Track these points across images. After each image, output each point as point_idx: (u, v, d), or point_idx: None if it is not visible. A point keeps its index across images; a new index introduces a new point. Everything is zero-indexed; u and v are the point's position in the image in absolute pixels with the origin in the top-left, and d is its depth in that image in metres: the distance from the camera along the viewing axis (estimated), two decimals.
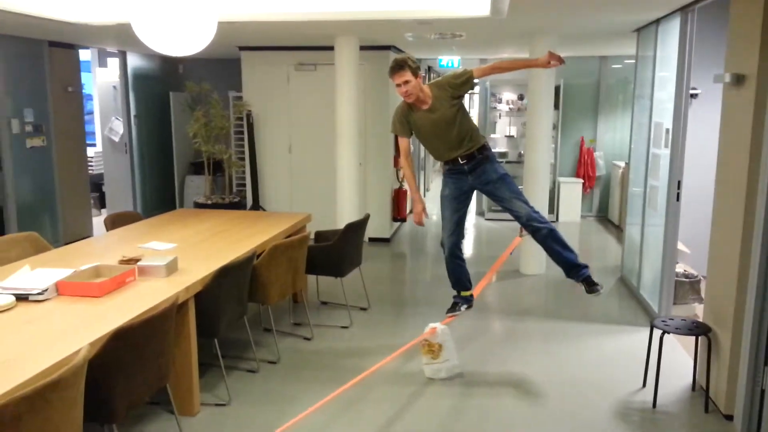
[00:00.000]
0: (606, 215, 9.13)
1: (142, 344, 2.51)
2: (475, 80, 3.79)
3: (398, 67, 3.60)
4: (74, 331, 2.48)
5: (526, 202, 3.80)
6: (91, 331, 2.46)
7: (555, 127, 8.81)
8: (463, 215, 3.92)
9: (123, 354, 2.41)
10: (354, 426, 3.25)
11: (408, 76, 3.59)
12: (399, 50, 7.68)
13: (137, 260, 3.36)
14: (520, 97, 9.29)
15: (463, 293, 4.09)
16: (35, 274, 3.06)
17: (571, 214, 8.90)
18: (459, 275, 4.03)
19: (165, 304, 2.70)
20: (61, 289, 2.90)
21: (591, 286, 3.84)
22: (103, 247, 4.00)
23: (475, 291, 4.13)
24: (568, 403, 3.51)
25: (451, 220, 3.90)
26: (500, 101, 9.38)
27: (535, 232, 3.78)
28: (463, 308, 4.06)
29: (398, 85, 3.63)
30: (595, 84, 9.03)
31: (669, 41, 4.64)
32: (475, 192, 3.98)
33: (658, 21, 4.90)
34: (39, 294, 2.82)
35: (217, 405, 3.42)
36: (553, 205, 8.80)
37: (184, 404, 3.23)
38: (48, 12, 4.97)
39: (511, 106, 9.34)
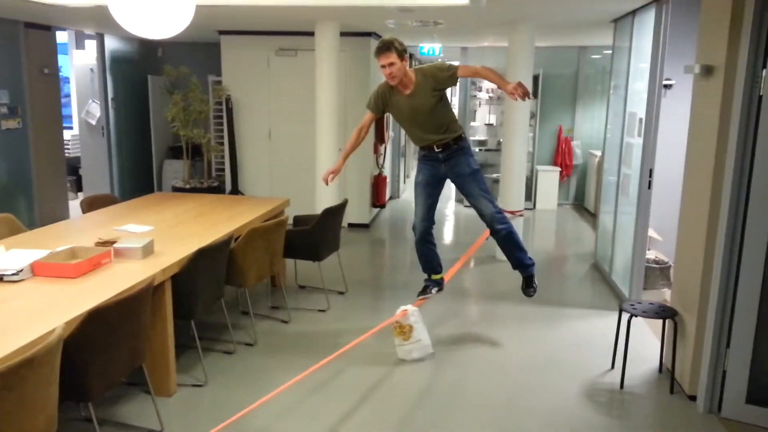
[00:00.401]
0: (582, 203, 9.27)
1: (118, 324, 2.53)
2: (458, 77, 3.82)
3: (385, 47, 3.59)
4: (49, 311, 2.49)
5: (492, 202, 3.89)
6: (66, 311, 2.47)
7: (533, 116, 8.90)
8: (435, 201, 3.99)
9: (98, 334, 2.44)
10: (326, 404, 3.31)
11: (393, 58, 3.59)
12: (379, 37, 7.68)
13: (113, 242, 3.37)
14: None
15: (434, 276, 4.18)
16: (10, 254, 3.05)
17: (548, 202, 9.02)
18: (430, 259, 4.12)
19: (141, 285, 2.72)
20: (36, 269, 2.90)
21: (527, 287, 4.09)
22: (79, 229, 3.99)
23: (447, 275, 4.22)
24: (537, 383, 3.61)
25: (423, 205, 3.96)
26: (480, 89, 9.43)
27: (495, 232, 3.93)
28: (433, 291, 4.16)
29: (383, 66, 3.63)
30: (574, 74, 9.12)
31: (644, 32, 4.72)
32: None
33: (634, 12, 4.97)
34: (14, 274, 2.82)
35: (193, 386, 3.46)
36: (530, 192, 8.91)
37: (160, 385, 3.26)
38: None
39: (491, 94, 9.40)
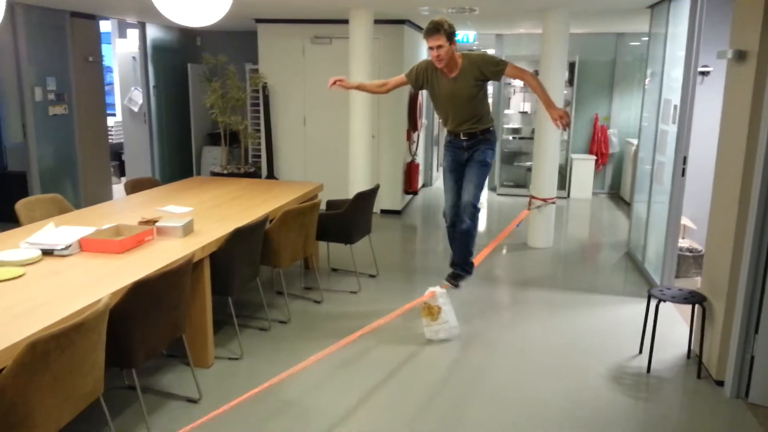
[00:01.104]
0: (618, 192, 9.17)
1: (160, 296, 2.68)
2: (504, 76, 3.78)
3: (434, 29, 3.55)
4: (96, 283, 2.65)
5: (476, 196, 3.88)
6: (111, 284, 2.63)
7: (569, 103, 8.83)
8: (462, 185, 3.98)
9: (141, 304, 2.59)
10: (355, 379, 3.42)
11: (442, 40, 3.55)
12: (413, 24, 7.73)
13: (155, 221, 3.53)
14: (536, 74, 9.29)
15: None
16: (59, 231, 3.24)
17: (582, 191, 8.95)
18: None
19: (181, 261, 2.86)
20: (83, 245, 3.08)
21: (450, 278, 4.08)
22: (123, 209, 4.18)
23: (476, 260, 4.26)
24: (564, 365, 3.66)
25: (452, 190, 3.99)
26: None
27: (459, 222, 3.92)
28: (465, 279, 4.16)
29: (431, 48, 3.60)
30: (612, 61, 9.00)
31: (680, 18, 4.67)
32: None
33: None
34: (63, 249, 3.00)
35: (230, 359, 3.62)
36: (564, 181, 8.86)
37: (199, 357, 3.42)
38: None
39: None
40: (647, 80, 5.78)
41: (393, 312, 3.75)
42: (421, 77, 3.86)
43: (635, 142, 8.37)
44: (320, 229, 4.63)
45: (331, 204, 5.16)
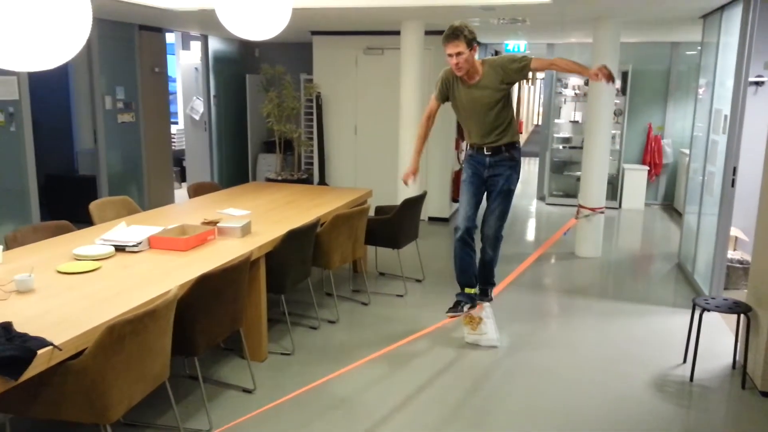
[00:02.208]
0: (672, 203, 9.02)
1: (221, 290, 2.91)
2: (531, 71, 3.61)
3: (453, 35, 3.36)
4: (164, 276, 2.89)
5: (500, 228, 3.79)
6: (178, 277, 2.87)
7: (621, 113, 8.77)
8: (479, 200, 3.81)
9: (205, 296, 2.81)
10: (400, 379, 3.56)
11: (462, 47, 3.36)
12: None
13: (216, 222, 3.78)
14: (587, 83, 9.26)
15: (468, 290, 3.91)
16: (130, 230, 3.51)
17: (634, 202, 8.84)
18: (466, 266, 3.85)
19: (240, 258, 3.08)
20: (152, 243, 3.34)
21: (483, 296, 3.97)
22: (186, 210, 4.47)
23: (523, 265, 4.26)
24: (609, 372, 3.70)
25: (468, 204, 3.76)
26: (566, 86, 9.38)
27: (484, 252, 3.89)
28: (465, 308, 3.89)
29: (450, 56, 3.39)
30: (666, 70, 8.89)
31: (733, 28, 4.65)
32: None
33: (722, 8, 4.89)
34: (134, 246, 3.27)
35: (282, 354, 3.83)
36: (616, 191, 8.79)
37: (254, 350, 3.64)
38: None
39: (577, 91, 9.33)
40: (700, 90, 5.74)
41: (440, 318, 3.88)
42: (445, 89, 3.65)
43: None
44: (369, 233, 4.80)
45: (379, 210, 5.33)
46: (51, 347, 2.10)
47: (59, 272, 2.90)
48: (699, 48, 8.36)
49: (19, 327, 2.23)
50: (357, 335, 4.19)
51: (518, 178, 3.77)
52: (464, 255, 3.82)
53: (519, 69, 3.53)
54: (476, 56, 3.50)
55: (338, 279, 5.23)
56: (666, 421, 3.17)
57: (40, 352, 2.06)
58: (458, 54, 3.39)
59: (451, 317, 3.89)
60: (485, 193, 3.83)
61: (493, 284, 4.10)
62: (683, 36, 7.85)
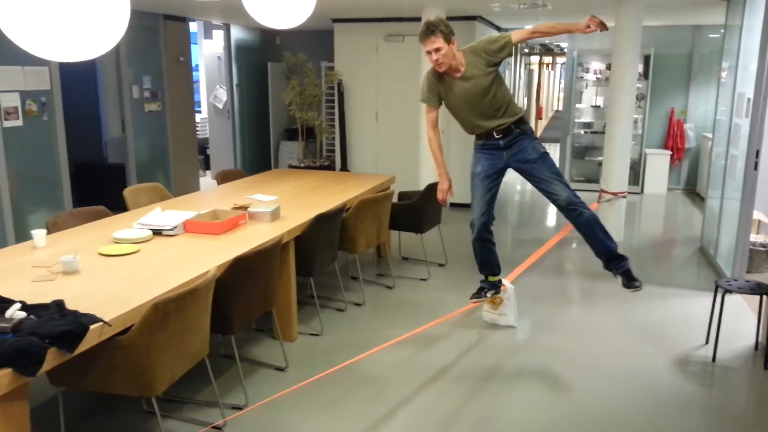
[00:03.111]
0: (694, 188, 8.99)
1: (255, 271, 3.02)
2: (514, 45, 3.42)
3: (428, 32, 3.24)
4: (200, 258, 3.01)
5: (567, 185, 3.47)
6: (213, 259, 2.99)
7: (643, 97, 8.73)
8: (494, 194, 3.62)
9: (241, 277, 2.93)
10: (425, 359, 3.67)
11: (440, 42, 3.24)
12: (485, 20, 7.86)
13: (246, 207, 3.90)
14: (608, 67, 9.21)
15: (491, 278, 3.88)
16: (165, 214, 3.64)
17: (657, 187, 8.82)
18: (487, 259, 3.78)
19: (272, 241, 3.19)
20: (187, 227, 3.47)
21: (630, 281, 3.57)
22: (216, 196, 4.59)
23: (541, 250, 4.21)
24: (629, 352, 3.77)
25: (482, 200, 3.58)
26: (587, 71, 9.34)
27: (578, 216, 3.46)
28: (488, 295, 3.86)
29: (428, 53, 3.28)
30: (688, 54, 8.81)
31: (757, 10, 4.63)
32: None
33: None
34: (170, 230, 3.39)
35: (311, 335, 3.95)
36: (638, 176, 8.77)
37: (285, 331, 3.76)
38: None
39: (599, 75, 9.29)
40: (723, 73, 5.72)
41: (463, 302, 3.97)
42: (434, 92, 3.48)
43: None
44: (392, 218, 4.89)
45: (402, 195, 5.41)
46: (101, 323, 2.23)
47: (101, 254, 3.04)
48: (722, 31, 8.29)
49: (69, 305, 2.36)
50: (382, 317, 4.30)
51: (540, 143, 3.53)
52: (484, 250, 3.72)
53: (500, 48, 3.38)
54: (455, 49, 3.35)
55: (363, 263, 5.34)
56: (688, 400, 3.24)
57: (91, 327, 2.18)
58: (436, 50, 3.27)
59: (475, 303, 3.89)
60: (525, 175, 3.56)
61: (622, 257, 3.59)
62: (706, 19, 7.78)
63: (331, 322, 4.16)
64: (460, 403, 3.18)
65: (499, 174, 3.59)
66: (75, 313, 2.27)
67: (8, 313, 2.17)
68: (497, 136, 3.49)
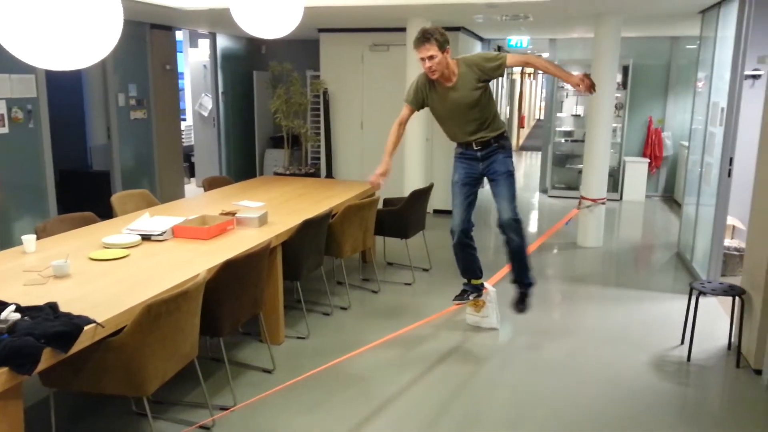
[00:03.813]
0: (672, 195, 9.19)
1: (244, 275, 3.08)
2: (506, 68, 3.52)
3: (424, 38, 3.28)
4: (189, 263, 3.07)
5: (514, 209, 3.63)
6: (203, 263, 3.04)
7: (622, 106, 8.93)
8: (472, 202, 3.74)
9: (230, 281, 2.99)
10: (409, 361, 3.75)
11: (434, 50, 3.27)
12: (468, 31, 8.01)
13: (234, 213, 3.96)
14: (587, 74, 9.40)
15: (474, 281, 3.98)
16: (154, 220, 3.69)
17: (635, 194, 9.01)
18: (469, 263, 3.89)
19: (261, 245, 3.26)
20: (176, 232, 3.52)
21: (520, 302, 3.88)
22: (204, 202, 4.64)
23: (497, 277, 4.27)
24: (607, 353, 3.88)
25: (461, 207, 3.70)
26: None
27: (509, 241, 3.69)
28: (471, 297, 3.97)
29: (422, 59, 3.30)
30: (666, 64, 9.04)
31: (729, 23, 4.81)
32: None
33: (720, 3, 5.05)
34: (159, 235, 3.45)
35: (297, 338, 4.01)
36: (617, 184, 8.95)
37: (272, 334, 3.82)
38: None
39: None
40: (699, 83, 5.90)
41: (446, 305, 4.07)
42: (420, 95, 3.56)
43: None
44: (377, 224, 4.98)
45: (387, 202, 5.50)
46: (94, 324, 2.28)
47: (91, 259, 3.09)
48: (698, 42, 8.53)
49: (61, 308, 2.41)
50: (368, 321, 4.37)
51: (512, 162, 3.66)
52: (465, 255, 3.83)
53: (495, 67, 3.45)
54: (449, 57, 3.40)
55: (349, 268, 5.41)
56: (664, 397, 3.35)
57: (85, 328, 2.24)
58: (430, 57, 3.30)
59: (457, 305, 3.99)
60: (490, 183, 3.72)
61: (529, 283, 3.87)
62: (683, 30, 8.00)
63: (317, 325, 4.23)
64: (443, 402, 3.26)
65: (477, 182, 3.72)
66: (68, 314, 2.32)
67: (3, 315, 2.21)
68: (476, 148, 3.60)
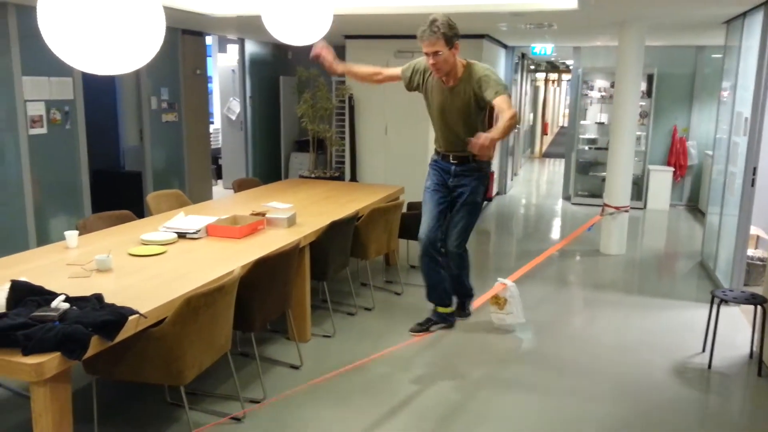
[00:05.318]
0: (696, 204, 9.15)
1: (275, 273, 3.21)
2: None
3: (431, 32, 2.96)
4: (224, 260, 3.20)
5: (462, 242, 3.47)
6: (236, 260, 3.17)
7: (647, 115, 8.93)
8: (443, 211, 3.49)
9: (262, 278, 3.12)
10: (431, 361, 3.83)
11: (440, 45, 2.97)
12: (493, 39, 8.10)
13: (264, 214, 4.09)
14: (612, 85, 9.42)
15: (440, 309, 3.73)
16: (188, 219, 3.84)
17: (659, 202, 8.99)
18: (435, 282, 3.62)
19: (291, 245, 3.38)
20: (209, 230, 3.66)
21: (461, 310, 4.00)
22: (234, 203, 4.79)
23: (547, 252, 4.23)
24: (628, 359, 3.93)
25: (430, 213, 3.48)
26: (592, 88, 9.56)
27: (449, 267, 3.75)
28: (433, 328, 3.67)
29: (426, 54, 3.00)
30: (691, 73, 9.02)
31: (754, 33, 4.83)
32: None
33: (744, 14, 5.08)
34: (194, 233, 3.59)
35: (323, 336, 4.13)
36: (641, 192, 8.95)
37: (299, 331, 3.94)
38: (184, 4, 5.84)
39: (603, 93, 9.50)
40: (724, 93, 5.91)
41: (404, 342, 4.14)
42: (416, 78, 3.30)
43: None
44: (402, 228, 5.07)
45: (411, 206, 5.60)
46: (138, 315, 2.41)
47: (130, 255, 3.23)
48: (723, 52, 8.51)
49: (105, 300, 2.55)
50: (391, 321, 4.47)
51: (485, 190, 3.38)
52: (430, 270, 3.55)
53: (484, 97, 3.23)
54: (457, 56, 3.08)
55: (373, 270, 5.52)
56: (685, 404, 3.39)
57: (129, 318, 2.37)
58: (435, 53, 2.98)
59: (415, 336, 3.54)
60: (451, 204, 3.50)
61: (470, 296, 3.96)
62: (708, 40, 7.99)
63: (342, 324, 4.34)
64: (460, 401, 3.35)
65: (449, 191, 3.47)
66: (113, 305, 2.46)
67: (54, 304, 2.36)
68: (452, 161, 3.35)
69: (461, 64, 3.11)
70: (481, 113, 3.23)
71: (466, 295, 4.02)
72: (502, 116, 3.16)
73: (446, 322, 3.68)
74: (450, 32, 2.97)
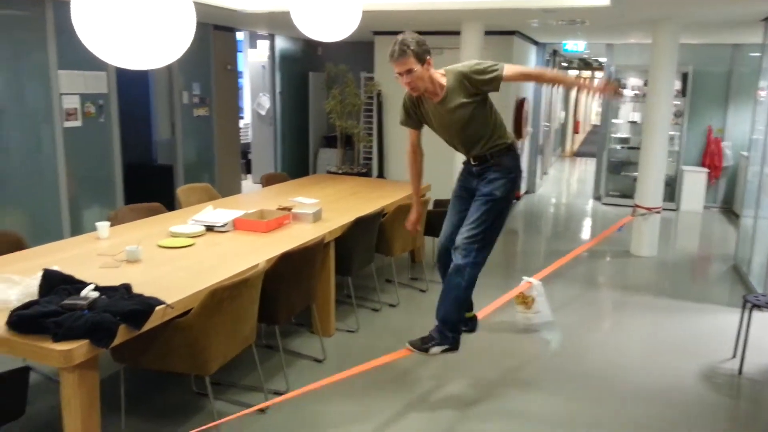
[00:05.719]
0: (731, 207, 8.94)
1: (300, 267, 3.24)
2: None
3: (400, 52, 2.84)
4: (250, 253, 3.24)
5: (474, 242, 3.04)
6: (262, 254, 3.21)
7: (681, 114, 8.75)
8: (463, 218, 3.22)
9: (287, 272, 3.15)
10: (454, 360, 3.81)
11: (411, 63, 2.83)
12: (523, 36, 8.02)
13: (290, 209, 4.12)
14: (646, 83, 9.24)
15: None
16: (216, 212, 3.89)
17: (693, 204, 8.80)
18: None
19: (315, 240, 3.41)
20: (237, 224, 3.71)
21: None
22: (261, 198, 4.84)
23: (508, 296, 3.81)
24: (658, 362, 3.86)
25: (449, 220, 3.32)
26: (625, 86, 9.39)
27: (451, 270, 3.17)
28: (433, 350, 3.13)
29: (399, 74, 2.90)
30: (727, 72, 8.81)
31: None
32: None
33: None
34: (222, 226, 3.64)
35: (347, 331, 4.15)
36: (674, 193, 8.77)
37: (323, 326, 3.97)
38: (216, 1, 5.91)
39: (636, 91, 9.33)
40: (763, 92, 5.76)
41: (492, 304, 4.12)
42: (412, 113, 3.16)
43: None
44: (428, 224, 5.07)
45: (438, 203, 5.59)
46: (165, 306, 2.46)
47: (159, 246, 3.29)
48: (761, 51, 8.28)
49: (134, 290, 2.60)
50: (415, 317, 4.48)
51: (509, 186, 3.07)
52: (444, 277, 3.29)
53: (487, 81, 2.92)
54: (431, 69, 2.94)
55: (398, 267, 5.52)
56: (714, 409, 3.33)
57: (156, 308, 2.42)
58: (408, 72, 2.86)
59: (409, 351, 3.17)
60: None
61: (458, 331, 3.22)
62: (745, 38, 7.79)
63: (366, 320, 4.36)
64: (480, 398, 3.33)
65: (471, 196, 3.18)
66: (140, 296, 2.51)
67: (84, 293, 2.42)
68: (473, 163, 3.15)
69: (440, 75, 2.95)
70: (482, 107, 3.02)
71: (450, 325, 3.21)
72: (534, 78, 3.43)
73: (449, 343, 3.20)
74: (419, 48, 2.85)
